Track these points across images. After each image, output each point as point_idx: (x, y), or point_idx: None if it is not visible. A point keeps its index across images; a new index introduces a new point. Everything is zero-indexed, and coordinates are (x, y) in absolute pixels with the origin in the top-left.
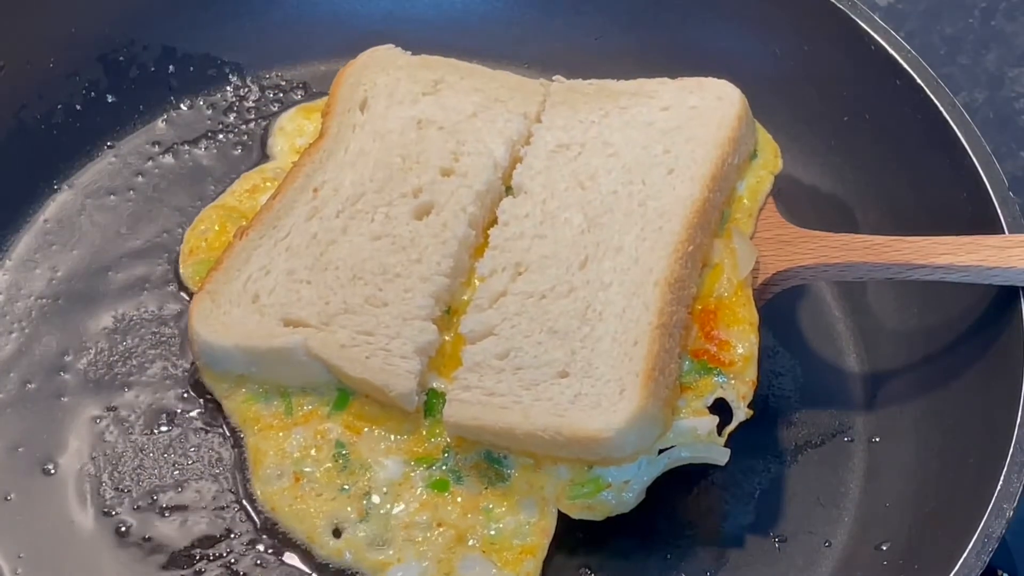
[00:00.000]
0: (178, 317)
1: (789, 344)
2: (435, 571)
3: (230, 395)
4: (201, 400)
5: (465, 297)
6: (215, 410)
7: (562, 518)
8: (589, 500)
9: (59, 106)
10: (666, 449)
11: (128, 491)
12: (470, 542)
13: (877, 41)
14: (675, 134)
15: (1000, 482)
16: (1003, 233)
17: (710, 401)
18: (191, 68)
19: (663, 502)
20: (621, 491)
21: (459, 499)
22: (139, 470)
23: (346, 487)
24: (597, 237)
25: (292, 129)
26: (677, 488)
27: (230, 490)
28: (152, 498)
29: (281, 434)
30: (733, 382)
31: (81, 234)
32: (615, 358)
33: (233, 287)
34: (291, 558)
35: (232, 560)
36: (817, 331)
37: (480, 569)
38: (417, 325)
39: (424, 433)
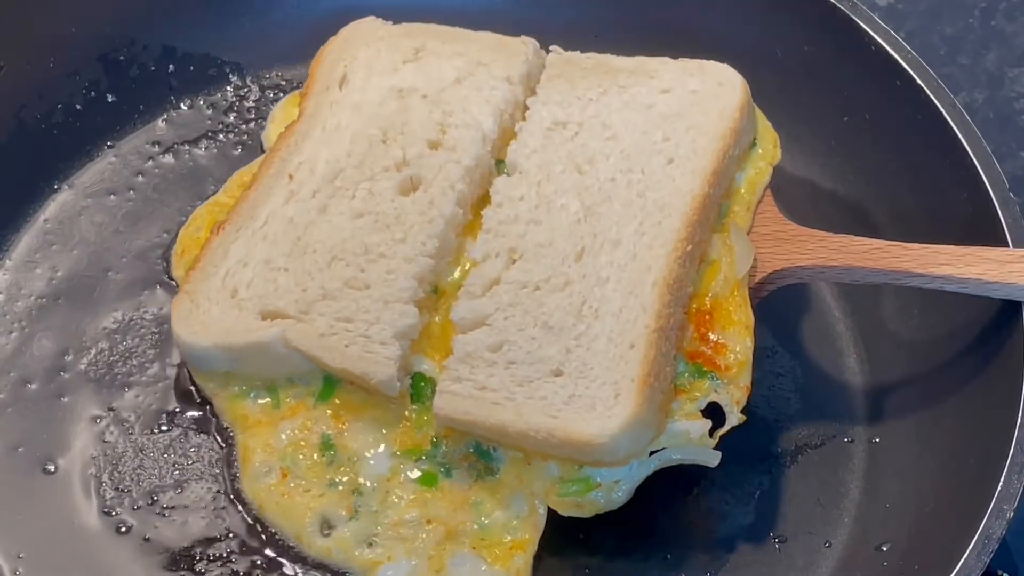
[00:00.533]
0: None
1: (789, 344)
2: (425, 569)
3: (218, 393)
4: (201, 400)
5: (452, 277)
6: (214, 410)
7: (563, 518)
8: (578, 498)
9: (59, 106)
10: (657, 451)
11: (128, 491)
12: (460, 538)
13: (877, 41)
14: (675, 120)
15: (1000, 483)
16: (1003, 233)
17: (703, 404)
18: (191, 68)
19: (663, 502)
20: (611, 491)
21: (448, 494)
22: (139, 470)
23: (334, 482)
24: (594, 227)
25: (283, 118)
26: (677, 488)
27: (229, 490)
28: (152, 498)
29: (269, 430)
30: (727, 386)
31: (81, 234)
32: (611, 360)
33: (212, 284)
34: (290, 558)
35: (232, 560)
36: (817, 331)
37: (471, 566)
38: (398, 308)
39: (412, 419)
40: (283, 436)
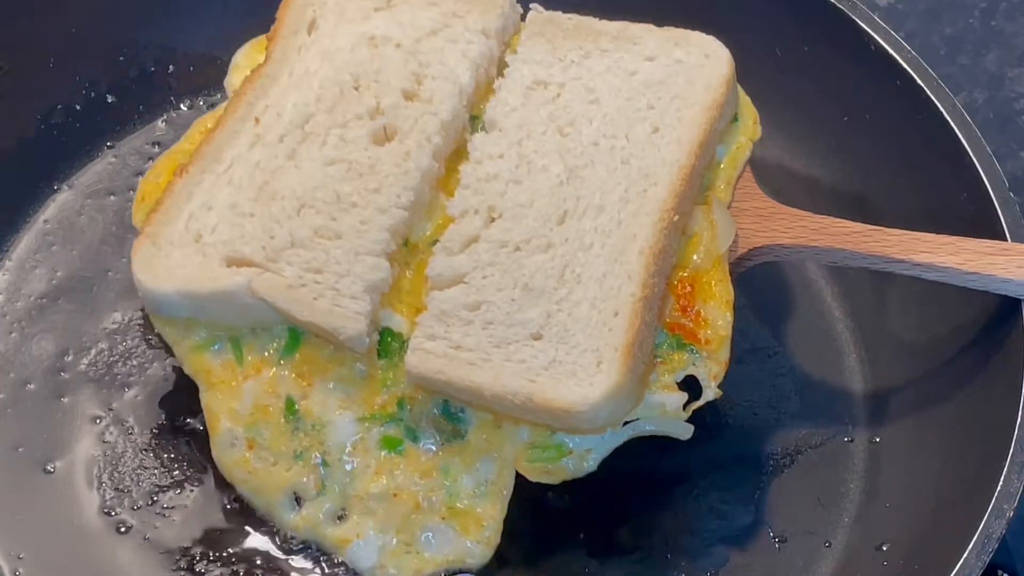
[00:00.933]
0: None
1: (789, 344)
2: (396, 543)
3: (179, 341)
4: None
5: (425, 233)
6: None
7: (561, 516)
8: (549, 464)
9: (59, 106)
10: (631, 421)
11: (128, 491)
12: (429, 509)
13: (877, 41)
14: (660, 89)
15: (1000, 482)
16: (1003, 233)
17: (680, 377)
18: (191, 68)
19: (663, 502)
20: (582, 459)
21: (415, 460)
22: (139, 470)
23: (300, 453)
24: (577, 191)
25: (247, 64)
26: (677, 487)
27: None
28: (152, 498)
29: (232, 390)
30: (706, 360)
31: (81, 234)
32: (593, 327)
33: (175, 228)
34: (289, 555)
35: (232, 560)
36: (817, 331)
37: (441, 537)
38: (369, 261)
39: (378, 378)
40: (247, 399)
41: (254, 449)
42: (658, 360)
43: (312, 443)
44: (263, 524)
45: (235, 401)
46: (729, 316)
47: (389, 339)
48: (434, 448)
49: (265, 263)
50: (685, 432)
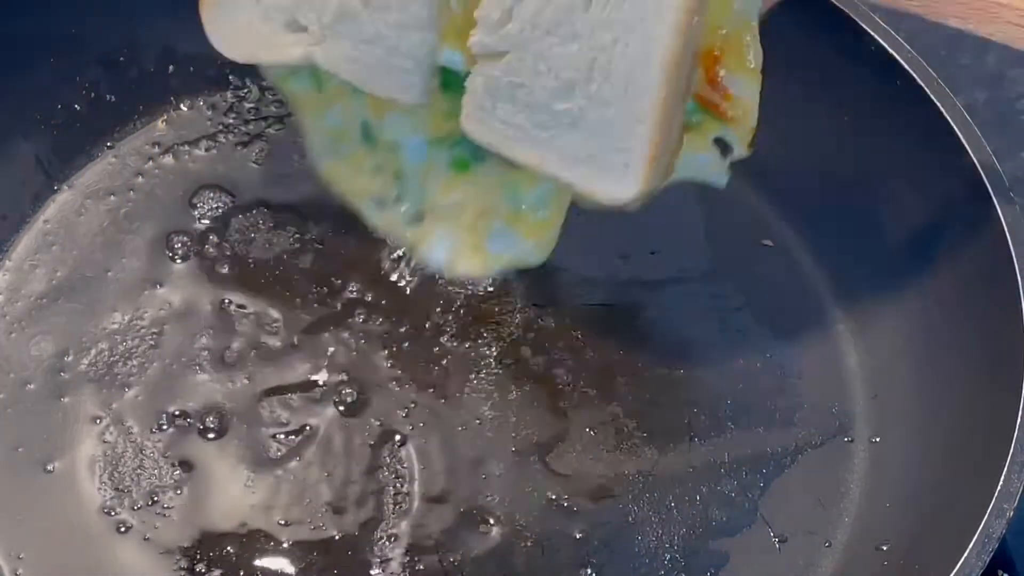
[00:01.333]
0: (178, 316)
1: (789, 344)
2: (465, 242)
3: (266, 69)
4: (200, 398)
5: None
6: (213, 404)
7: (563, 515)
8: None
9: (59, 106)
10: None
11: (128, 491)
12: (495, 216)
13: (877, 41)
14: None
15: (1000, 482)
16: (1003, 233)
17: (711, 140)
18: (191, 68)
19: (664, 502)
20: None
21: (481, 178)
22: (139, 470)
23: (379, 167)
24: None
25: None
26: (677, 488)
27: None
28: (152, 498)
29: (317, 114)
30: (735, 128)
31: (81, 235)
32: (620, 127)
33: None
34: (288, 555)
35: (233, 559)
36: (817, 331)
37: (505, 239)
38: (417, 36)
39: (443, 110)
40: (329, 121)
41: (338, 162)
42: (688, 127)
43: (388, 161)
44: (263, 524)
45: (320, 121)
46: (757, 84)
47: (451, 78)
48: (498, 170)
49: (320, 32)
50: (720, 179)
